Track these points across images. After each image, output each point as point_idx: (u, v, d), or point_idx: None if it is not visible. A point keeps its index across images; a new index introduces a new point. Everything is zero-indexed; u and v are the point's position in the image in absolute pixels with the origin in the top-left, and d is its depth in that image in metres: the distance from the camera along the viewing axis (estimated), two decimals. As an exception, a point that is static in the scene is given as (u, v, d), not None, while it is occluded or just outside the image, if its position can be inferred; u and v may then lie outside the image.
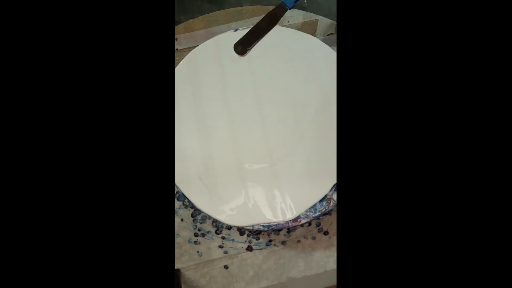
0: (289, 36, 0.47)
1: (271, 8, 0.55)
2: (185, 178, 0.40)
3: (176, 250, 0.41)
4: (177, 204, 0.44)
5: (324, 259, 0.41)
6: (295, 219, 0.38)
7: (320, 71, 0.45)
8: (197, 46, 0.48)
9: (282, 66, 0.46)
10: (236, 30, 0.47)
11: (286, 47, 0.47)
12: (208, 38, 0.48)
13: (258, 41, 0.46)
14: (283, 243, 0.41)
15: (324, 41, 0.48)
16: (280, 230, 0.42)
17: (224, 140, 0.42)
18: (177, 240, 0.42)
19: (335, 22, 0.53)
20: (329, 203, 0.38)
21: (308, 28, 0.53)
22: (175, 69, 0.45)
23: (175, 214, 0.43)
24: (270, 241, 0.41)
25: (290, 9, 0.48)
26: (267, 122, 0.43)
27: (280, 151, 0.42)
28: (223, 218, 0.38)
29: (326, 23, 0.53)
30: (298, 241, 0.41)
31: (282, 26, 0.49)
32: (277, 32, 0.48)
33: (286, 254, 0.41)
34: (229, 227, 0.42)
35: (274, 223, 0.38)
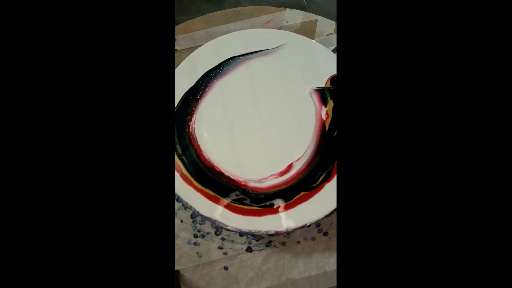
0: (288, 38, 0.48)
1: (270, 8, 0.55)
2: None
3: (175, 252, 0.41)
4: (177, 205, 0.44)
5: (324, 260, 0.40)
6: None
7: (319, 73, 0.45)
8: (196, 46, 0.48)
9: (281, 68, 0.46)
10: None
11: (286, 50, 0.47)
12: (207, 39, 0.48)
13: None
14: (283, 244, 0.41)
15: (324, 41, 0.48)
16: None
17: (223, 143, 0.42)
18: (177, 242, 0.42)
19: (334, 22, 0.53)
20: None
21: (308, 28, 0.53)
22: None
23: (175, 216, 0.43)
24: (270, 242, 0.41)
25: None
26: (266, 125, 0.43)
27: (280, 153, 0.41)
28: (218, 215, 0.38)
29: (325, 23, 0.53)
30: (298, 242, 0.41)
31: (281, 27, 0.49)
32: (276, 35, 0.48)
33: (285, 255, 0.41)
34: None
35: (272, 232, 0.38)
